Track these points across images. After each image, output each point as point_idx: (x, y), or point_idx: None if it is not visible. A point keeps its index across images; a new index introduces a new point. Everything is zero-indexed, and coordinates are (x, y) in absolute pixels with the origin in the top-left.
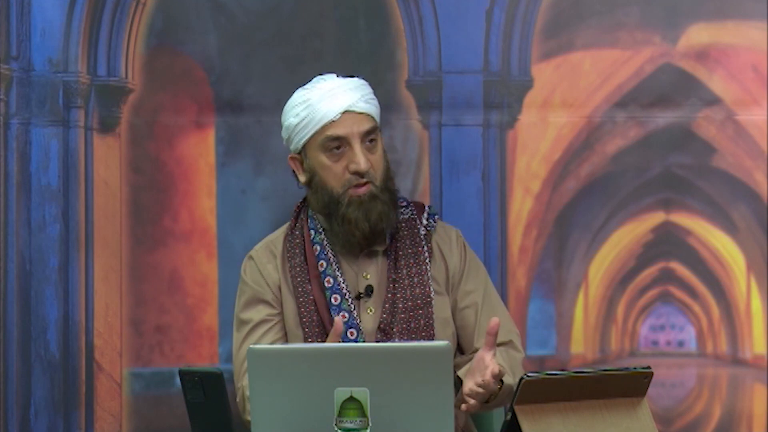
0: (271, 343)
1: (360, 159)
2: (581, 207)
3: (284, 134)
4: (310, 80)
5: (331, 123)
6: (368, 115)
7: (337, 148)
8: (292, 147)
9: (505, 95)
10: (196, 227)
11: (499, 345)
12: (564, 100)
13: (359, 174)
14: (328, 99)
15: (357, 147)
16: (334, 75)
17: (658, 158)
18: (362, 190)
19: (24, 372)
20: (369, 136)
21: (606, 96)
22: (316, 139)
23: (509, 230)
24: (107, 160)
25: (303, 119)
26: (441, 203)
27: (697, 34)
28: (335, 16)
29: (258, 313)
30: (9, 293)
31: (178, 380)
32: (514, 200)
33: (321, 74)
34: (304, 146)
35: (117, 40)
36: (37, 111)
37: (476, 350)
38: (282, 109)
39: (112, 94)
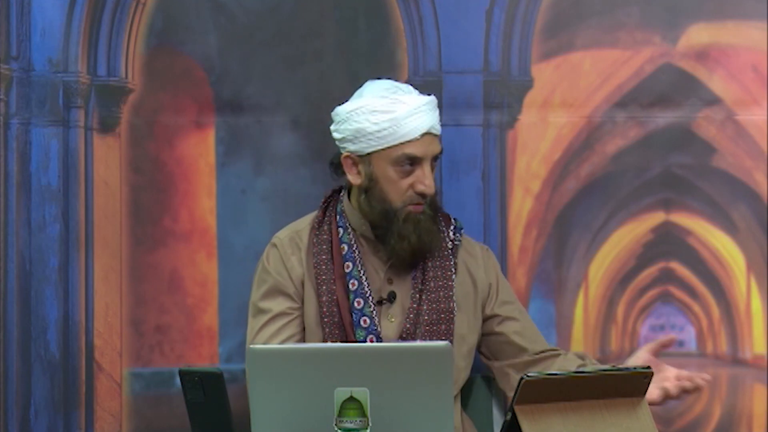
0: (289, 338)
1: (430, 183)
2: (581, 207)
3: (346, 133)
4: (310, 80)
5: (411, 141)
6: (440, 137)
7: (410, 165)
8: (352, 147)
9: (505, 95)
10: (196, 227)
11: (551, 351)
12: (564, 100)
13: (423, 196)
14: (414, 117)
15: (427, 169)
16: (411, 87)
17: (658, 158)
18: (419, 209)
19: (24, 372)
20: (436, 159)
21: (606, 96)
22: (390, 153)
23: (509, 230)
24: (107, 160)
25: (383, 130)
26: (441, 203)
27: (697, 34)
28: (335, 16)
29: (278, 304)
30: (9, 293)
31: (178, 380)
32: (514, 200)
33: (328, 76)
34: (371, 153)
35: (117, 40)
36: (37, 111)
37: (534, 354)
38: (283, 109)
39: (112, 94)
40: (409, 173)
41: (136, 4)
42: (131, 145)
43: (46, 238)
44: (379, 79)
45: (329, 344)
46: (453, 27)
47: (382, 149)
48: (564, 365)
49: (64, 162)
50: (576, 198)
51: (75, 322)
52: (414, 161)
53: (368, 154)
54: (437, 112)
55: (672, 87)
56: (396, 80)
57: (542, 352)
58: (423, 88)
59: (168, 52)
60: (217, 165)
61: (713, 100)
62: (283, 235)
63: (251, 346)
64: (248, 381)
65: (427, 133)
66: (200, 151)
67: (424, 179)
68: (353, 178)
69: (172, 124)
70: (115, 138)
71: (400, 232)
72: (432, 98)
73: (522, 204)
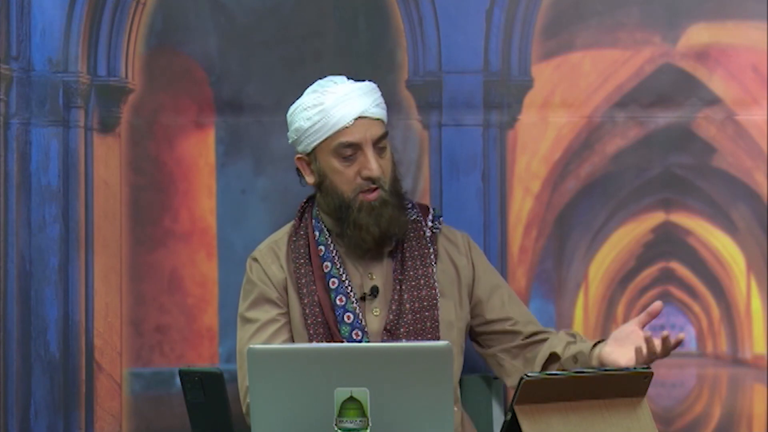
0: (279, 344)
1: (373, 165)
2: (581, 207)
3: (292, 135)
4: (310, 80)
5: (345, 129)
6: (380, 120)
7: (350, 153)
8: (300, 148)
9: (505, 95)
10: (196, 227)
11: (542, 334)
12: (564, 100)
13: (371, 180)
14: (342, 104)
15: (369, 153)
16: (344, 78)
17: (658, 158)
18: (373, 196)
19: (24, 372)
20: (380, 142)
21: (606, 96)
22: (329, 144)
23: (509, 230)
24: (107, 160)
25: (315, 123)
26: (441, 203)
27: (697, 34)
28: (335, 16)
29: (265, 313)
30: (9, 293)
31: (178, 380)
32: (514, 200)
33: (327, 76)
34: (314, 149)
35: (117, 40)
36: (37, 111)
37: (524, 341)
38: (282, 109)
39: (112, 94)
40: (353, 161)
41: (136, 4)
42: (131, 145)
43: (46, 238)
44: (368, 80)
45: (329, 344)
46: (453, 27)
47: (321, 142)
48: (553, 344)
49: (64, 162)
50: (576, 198)
51: (75, 322)
52: (353, 148)
53: (313, 150)
54: (373, 95)
55: (672, 87)
56: (396, 80)
57: (533, 334)
58: (423, 88)
59: (168, 52)
60: (217, 165)
61: (713, 100)
62: (261, 247)
63: (251, 346)
64: (249, 382)
65: (361, 117)
66: (200, 151)
67: (368, 164)
68: (308, 178)
69: (172, 124)
70: (115, 138)
71: (356, 221)
72: (365, 84)
73: (522, 204)
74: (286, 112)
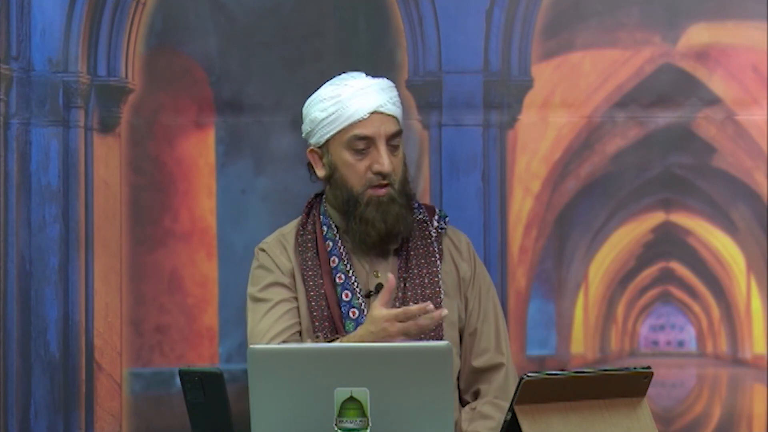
0: (292, 325)
1: (384, 160)
2: (581, 207)
3: (306, 127)
4: (310, 80)
5: (359, 122)
6: (395, 117)
7: (363, 147)
8: (313, 140)
9: (505, 95)
10: (196, 227)
11: (487, 369)
12: (564, 100)
13: (382, 175)
14: (359, 97)
15: (382, 148)
16: (363, 74)
17: (658, 158)
18: (381, 192)
19: (24, 372)
20: (394, 139)
21: (606, 96)
22: (342, 137)
23: (509, 230)
24: (107, 160)
25: (330, 114)
26: (441, 203)
27: (697, 34)
28: (335, 16)
29: (278, 294)
30: (9, 293)
31: (178, 380)
32: (514, 200)
33: (327, 76)
34: (327, 141)
35: (117, 40)
36: (37, 111)
37: (473, 368)
38: (283, 109)
39: (112, 94)
40: (364, 155)
41: (136, 4)
42: (131, 145)
43: (46, 238)
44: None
45: (329, 344)
46: (453, 27)
47: (335, 134)
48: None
49: (64, 162)
50: (576, 198)
51: (75, 322)
52: (367, 142)
53: (326, 143)
54: (391, 93)
55: (672, 87)
56: (396, 80)
57: (475, 371)
58: (423, 88)
59: (168, 52)
60: (217, 165)
61: (713, 100)
62: (269, 239)
63: (251, 346)
64: (249, 382)
65: (376, 112)
66: (200, 151)
67: (380, 158)
68: (319, 171)
69: (172, 124)
70: (115, 138)
71: (363, 216)
72: (383, 80)
73: (522, 204)
74: (287, 112)
